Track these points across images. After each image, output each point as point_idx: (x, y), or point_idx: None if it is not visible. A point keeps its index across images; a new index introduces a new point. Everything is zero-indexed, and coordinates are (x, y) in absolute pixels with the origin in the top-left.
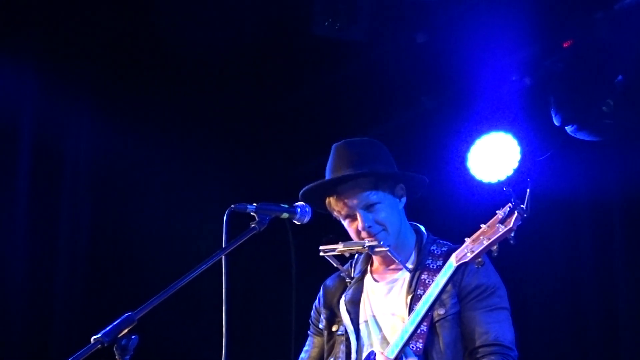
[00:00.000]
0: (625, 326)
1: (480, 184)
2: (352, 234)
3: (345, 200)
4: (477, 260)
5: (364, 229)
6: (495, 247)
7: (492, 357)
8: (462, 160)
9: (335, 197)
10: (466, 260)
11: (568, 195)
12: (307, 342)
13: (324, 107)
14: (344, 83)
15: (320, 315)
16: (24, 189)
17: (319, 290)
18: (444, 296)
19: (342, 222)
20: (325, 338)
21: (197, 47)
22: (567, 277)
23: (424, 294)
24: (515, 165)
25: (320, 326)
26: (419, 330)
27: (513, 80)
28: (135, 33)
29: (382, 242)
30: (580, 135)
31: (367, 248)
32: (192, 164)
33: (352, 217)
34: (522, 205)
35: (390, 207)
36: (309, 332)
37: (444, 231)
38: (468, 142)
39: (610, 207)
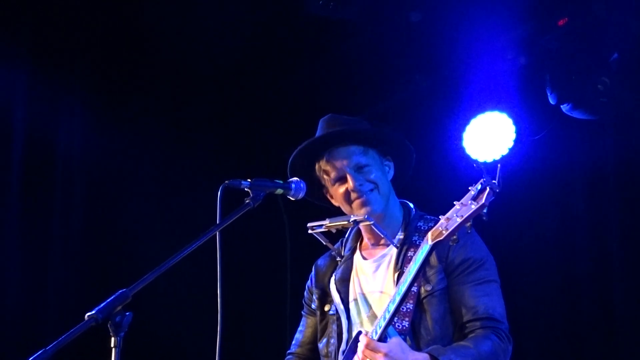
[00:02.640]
0: (620, 301)
1: (475, 162)
2: (342, 200)
3: (335, 162)
4: (452, 238)
5: (354, 188)
6: (469, 224)
7: (482, 331)
8: (458, 139)
9: (324, 160)
10: (441, 238)
11: (563, 173)
12: (301, 323)
13: (318, 87)
14: (337, 62)
15: (312, 296)
16: (16, 183)
17: (311, 270)
18: (430, 272)
19: (331, 189)
20: (318, 318)
21: (188, 29)
22: (562, 254)
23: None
24: (511, 144)
25: (313, 306)
26: (405, 308)
27: (508, 59)
28: (125, 25)
29: (372, 205)
30: (576, 114)
31: (352, 222)
32: (185, 141)
33: (342, 180)
34: (493, 181)
35: (379, 170)
36: (302, 312)
37: (440, 211)
38: (463, 122)
39: (606, 185)
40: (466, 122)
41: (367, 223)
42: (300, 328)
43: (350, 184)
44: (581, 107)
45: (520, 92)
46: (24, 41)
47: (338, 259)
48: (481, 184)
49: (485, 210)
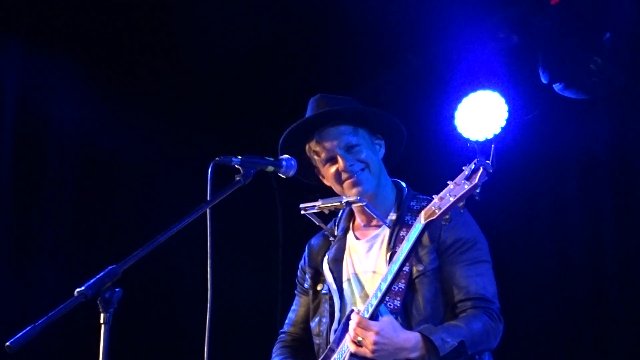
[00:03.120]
0: (612, 279)
1: (467, 141)
2: (333, 181)
3: (325, 143)
4: (444, 218)
5: (345, 169)
6: (462, 204)
7: (474, 311)
8: (450, 118)
9: (315, 140)
10: (434, 217)
11: (555, 153)
12: (294, 302)
13: (309, 65)
14: (328, 41)
15: (305, 275)
16: (7, 160)
17: (304, 250)
18: (422, 252)
19: (322, 169)
20: (310, 297)
21: (181, 6)
22: (554, 234)
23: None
24: (503, 123)
25: (306, 285)
26: (397, 287)
27: (500, 38)
28: (119, 4)
29: (363, 185)
30: (568, 93)
31: (345, 204)
32: (176, 118)
33: (333, 160)
34: (487, 161)
35: (370, 149)
36: (295, 291)
37: (433, 190)
38: (455, 100)
39: (598, 164)
40: (458, 100)
41: (360, 204)
42: (293, 307)
43: (340, 164)
44: (573, 86)
45: (512, 71)
46: (18, 17)
47: (331, 238)
48: (475, 164)
49: (478, 190)
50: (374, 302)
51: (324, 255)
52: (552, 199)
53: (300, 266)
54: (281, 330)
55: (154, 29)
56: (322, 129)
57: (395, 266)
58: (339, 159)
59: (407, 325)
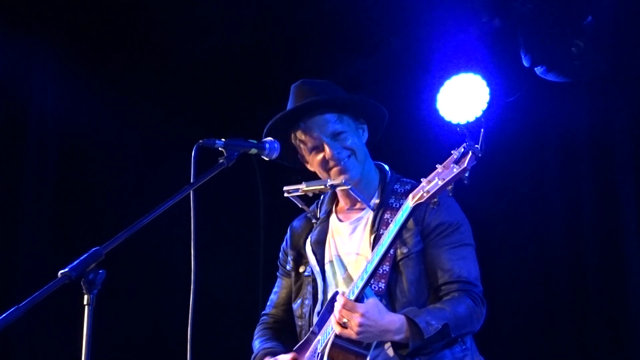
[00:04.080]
0: (591, 260)
1: (449, 124)
2: (319, 168)
3: (311, 132)
4: (432, 201)
5: (332, 157)
6: (450, 187)
7: (457, 294)
8: (432, 101)
9: (300, 130)
10: (422, 200)
11: (537, 135)
12: (276, 284)
13: (292, 49)
14: (310, 24)
15: (287, 257)
16: None
17: (287, 232)
18: (407, 235)
19: (307, 157)
20: (292, 279)
21: None
22: (535, 216)
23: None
24: (485, 106)
25: (288, 267)
26: (381, 270)
27: (482, 22)
28: None
29: (349, 172)
30: (550, 77)
31: (329, 187)
32: (160, 100)
33: (319, 148)
34: (476, 146)
35: (355, 135)
36: (277, 273)
37: (415, 173)
38: (437, 83)
39: (579, 147)
40: (440, 84)
41: (345, 188)
42: (275, 289)
43: (327, 152)
44: (555, 69)
45: (494, 54)
46: None
47: (314, 221)
48: (464, 147)
49: (467, 175)
50: (360, 284)
51: (307, 238)
52: (533, 181)
53: (282, 248)
54: (263, 312)
55: (135, 13)
56: (307, 117)
57: (382, 248)
58: (326, 147)
59: (391, 307)
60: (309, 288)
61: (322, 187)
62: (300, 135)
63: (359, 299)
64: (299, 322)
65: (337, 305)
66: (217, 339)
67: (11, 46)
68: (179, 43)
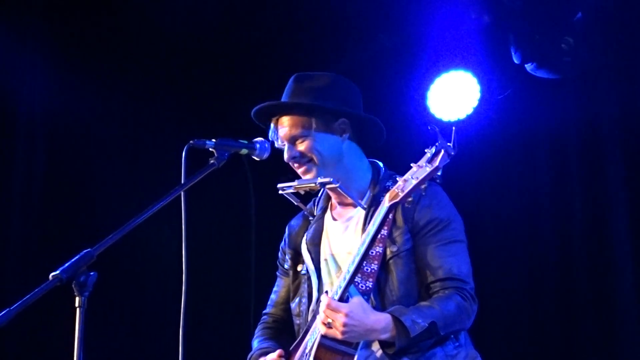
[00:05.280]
0: (581, 256)
1: (440, 122)
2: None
3: (278, 132)
4: (407, 200)
5: (287, 160)
6: (424, 186)
7: (447, 292)
8: (422, 98)
9: (272, 127)
10: (397, 200)
11: (527, 132)
12: (276, 283)
13: (282, 45)
14: (300, 21)
15: (285, 256)
16: None
17: (285, 231)
18: (396, 234)
19: None
20: (291, 278)
21: None
22: (525, 213)
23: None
24: (475, 103)
25: (286, 266)
26: (369, 269)
27: (472, 19)
28: None
29: (320, 176)
30: (540, 73)
31: (318, 185)
32: (150, 100)
33: (283, 149)
34: (449, 144)
35: (319, 141)
36: (277, 273)
37: (405, 171)
38: (427, 81)
39: (568, 144)
40: (430, 81)
41: (333, 186)
42: (275, 289)
43: (285, 155)
44: (545, 66)
45: (484, 51)
46: None
47: (310, 218)
48: (436, 146)
49: (439, 173)
50: (343, 284)
51: (303, 236)
52: (523, 178)
53: (280, 247)
54: (263, 312)
55: (125, 6)
56: (279, 116)
57: (362, 248)
58: (285, 149)
59: (381, 306)
60: (305, 286)
61: (313, 184)
62: (271, 133)
63: (343, 298)
64: (296, 321)
65: (322, 306)
66: (209, 338)
67: None
68: (170, 36)
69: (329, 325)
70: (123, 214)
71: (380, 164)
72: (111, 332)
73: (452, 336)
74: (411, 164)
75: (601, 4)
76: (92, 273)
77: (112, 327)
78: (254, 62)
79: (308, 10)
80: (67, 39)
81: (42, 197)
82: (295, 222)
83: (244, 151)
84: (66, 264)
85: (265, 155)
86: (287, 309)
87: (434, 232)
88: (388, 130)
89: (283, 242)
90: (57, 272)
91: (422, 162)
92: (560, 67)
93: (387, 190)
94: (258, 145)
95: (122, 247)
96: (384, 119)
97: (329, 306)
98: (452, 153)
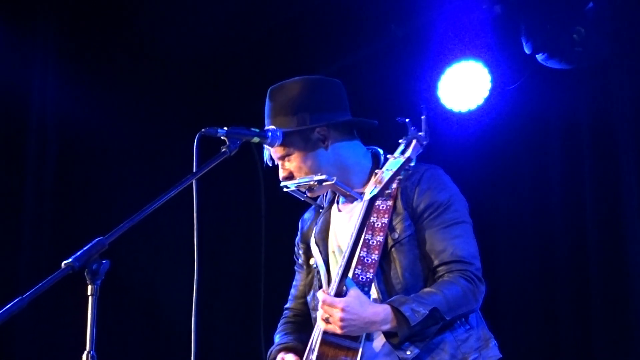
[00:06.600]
0: (593, 246)
1: (450, 113)
2: None
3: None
4: (385, 192)
5: (282, 178)
6: (399, 177)
7: (451, 275)
8: (433, 89)
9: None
10: (375, 192)
11: (538, 123)
12: (295, 278)
13: (293, 37)
14: (311, 12)
15: (299, 250)
16: None
17: (298, 224)
18: (396, 221)
19: None
20: (305, 272)
21: None
22: (536, 203)
23: (377, 220)
24: (486, 94)
25: (300, 261)
26: (369, 259)
27: (483, 8)
28: None
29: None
30: (551, 64)
31: (316, 182)
32: (161, 90)
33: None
34: (420, 134)
35: (304, 158)
36: (295, 267)
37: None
38: (438, 71)
39: (580, 135)
40: (441, 71)
41: (329, 182)
42: (294, 283)
43: (279, 174)
44: (556, 56)
45: (496, 41)
46: None
47: (320, 211)
48: (406, 137)
49: (412, 164)
50: (337, 279)
51: (313, 230)
52: (535, 169)
53: (296, 241)
54: (284, 307)
55: (134, 8)
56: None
57: (350, 241)
58: (279, 168)
59: (388, 295)
60: (316, 280)
61: (311, 182)
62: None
63: (339, 293)
64: (313, 314)
65: (320, 303)
66: (220, 329)
67: (10, 43)
68: (178, 37)
69: (327, 321)
70: (134, 206)
71: (381, 151)
72: (122, 322)
73: (463, 320)
74: (387, 155)
75: None
76: (104, 261)
77: (122, 316)
78: (265, 55)
79: (319, 1)
80: (76, 42)
81: (54, 189)
82: (307, 215)
83: (256, 139)
84: (78, 252)
85: (277, 144)
86: (306, 303)
87: (435, 215)
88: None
89: (298, 236)
90: (70, 260)
91: (397, 153)
92: (572, 57)
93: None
94: (270, 134)
95: (133, 235)
96: (394, 109)
97: (324, 302)
98: (425, 142)
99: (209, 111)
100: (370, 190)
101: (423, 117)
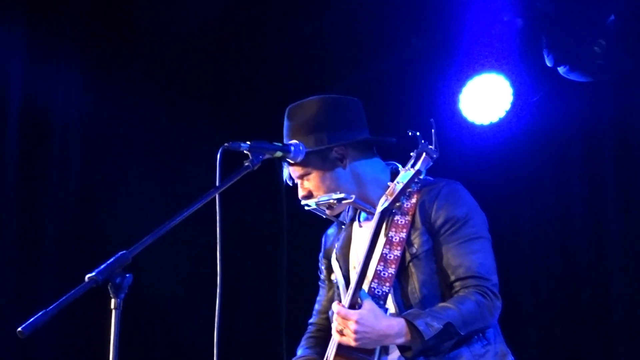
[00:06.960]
0: (614, 258)
1: (472, 125)
2: None
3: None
4: (395, 205)
5: (301, 197)
6: (409, 190)
7: (466, 290)
8: (454, 102)
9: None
10: (386, 205)
11: (560, 136)
12: (319, 293)
13: (312, 50)
14: (332, 25)
15: (322, 266)
16: (12, 148)
17: (321, 240)
18: (414, 235)
19: None
20: (327, 287)
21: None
22: (559, 217)
23: (394, 235)
24: (508, 106)
25: (323, 276)
26: (386, 273)
27: (505, 21)
28: None
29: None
30: (573, 76)
31: (335, 201)
32: (184, 104)
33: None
34: (430, 146)
35: (322, 178)
36: (319, 282)
37: (436, 174)
38: (459, 84)
39: (602, 148)
40: (462, 84)
41: (349, 201)
42: (317, 298)
43: (299, 193)
44: (578, 69)
45: (517, 53)
46: (21, 5)
47: (342, 227)
48: (416, 150)
49: (421, 177)
50: (351, 292)
51: (335, 245)
52: (557, 182)
53: (319, 257)
54: (309, 322)
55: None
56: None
57: (363, 256)
58: (298, 187)
59: (405, 309)
60: (336, 296)
61: (330, 201)
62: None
63: (353, 304)
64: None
65: (335, 315)
66: (242, 343)
67: (35, 50)
68: (203, 41)
69: (342, 333)
70: (156, 216)
71: (399, 166)
72: (145, 335)
73: (480, 335)
74: (399, 168)
75: (634, 7)
76: (127, 275)
77: (145, 330)
78: (286, 66)
79: (340, 14)
80: (100, 47)
81: (76, 199)
82: (331, 231)
83: (279, 154)
84: (102, 266)
85: (300, 158)
86: (328, 318)
87: (452, 230)
88: (420, 134)
89: (321, 252)
90: (93, 273)
91: (408, 166)
92: (593, 70)
93: (403, 193)
94: (292, 148)
95: (157, 249)
96: (415, 123)
97: (339, 314)
98: (435, 156)
99: (234, 116)
100: (382, 202)
101: (433, 130)
